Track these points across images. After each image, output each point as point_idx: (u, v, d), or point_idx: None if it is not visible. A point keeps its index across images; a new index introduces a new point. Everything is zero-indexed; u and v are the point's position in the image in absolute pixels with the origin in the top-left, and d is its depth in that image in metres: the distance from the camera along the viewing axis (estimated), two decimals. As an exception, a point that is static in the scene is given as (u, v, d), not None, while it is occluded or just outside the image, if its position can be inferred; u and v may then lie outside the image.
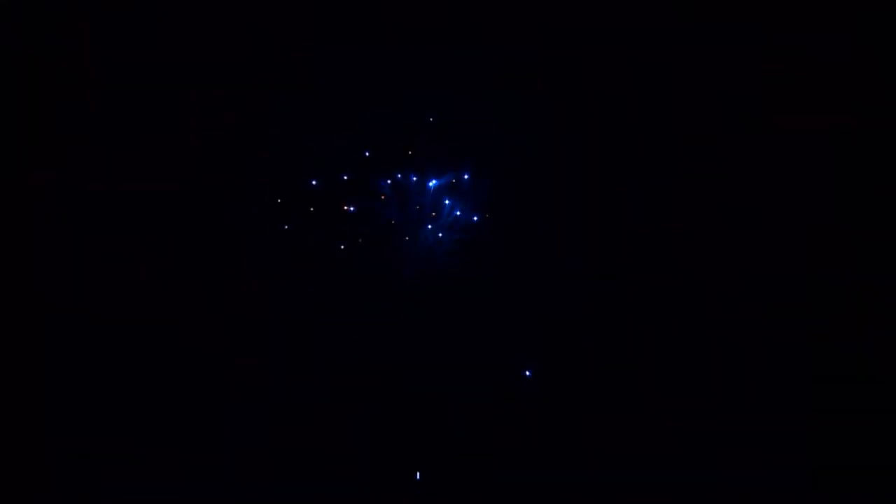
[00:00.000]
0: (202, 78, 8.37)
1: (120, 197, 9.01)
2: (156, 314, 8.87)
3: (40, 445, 8.45)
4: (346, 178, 9.07)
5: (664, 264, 9.13)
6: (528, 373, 8.84)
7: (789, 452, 8.25)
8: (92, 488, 8.66)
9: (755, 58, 8.71)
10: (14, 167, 7.99)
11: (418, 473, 8.62)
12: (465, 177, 8.90)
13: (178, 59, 8.80)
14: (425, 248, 9.17)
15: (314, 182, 8.89)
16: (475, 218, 9.03)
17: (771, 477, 8.13)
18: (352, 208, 9.05)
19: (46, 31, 7.30)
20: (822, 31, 8.38)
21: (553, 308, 9.20)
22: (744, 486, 8.32)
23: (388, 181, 9.02)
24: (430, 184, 9.13)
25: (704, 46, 8.76)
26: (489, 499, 8.73)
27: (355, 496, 8.91)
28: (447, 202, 9.15)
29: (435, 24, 8.66)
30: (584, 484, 8.77)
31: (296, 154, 9.00)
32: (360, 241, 9.06)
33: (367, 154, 9.04)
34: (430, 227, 9.13)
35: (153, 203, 9.07)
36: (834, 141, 8.42)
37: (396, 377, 9.05)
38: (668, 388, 9.04)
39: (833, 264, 8.40)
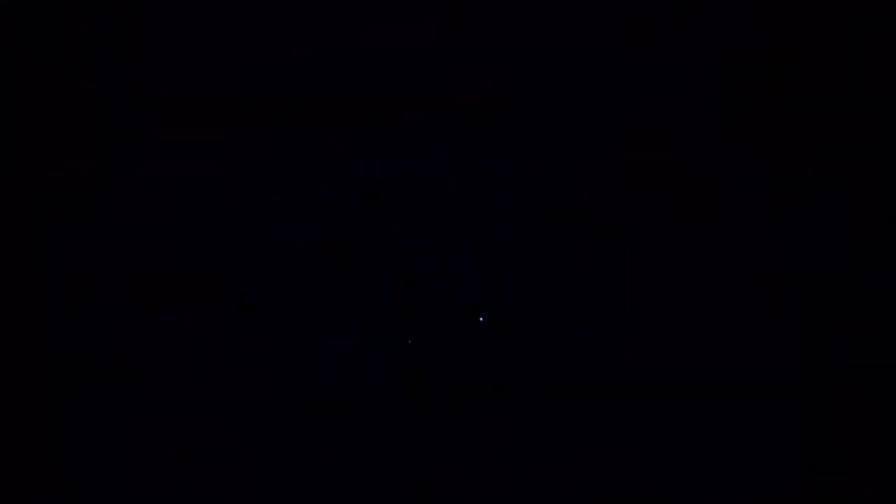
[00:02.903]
0: (203, 78, 8.37)
1: (120, 196, 9.00)
2: (155, 313, 8.89)
3: (40, 445, 8.44)
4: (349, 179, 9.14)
5: (664, 263, 9.19)
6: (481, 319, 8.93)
7: (789, 452, 8.34)
8: (90, 490, 8.66)
9: (752, 63, 8.80)
10: (14, 167, 7.97)
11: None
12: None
13: (179, 59, 8.78)
14: (426, 249, 9.19)
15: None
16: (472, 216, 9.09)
17: (771, 477, 8.21)
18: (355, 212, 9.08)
19: (46, 31, 7.28)
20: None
21: (550, 307, 9.26)
22: (744, 486, 8.39)
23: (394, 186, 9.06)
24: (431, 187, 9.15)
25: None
26: (489, 498, 8.78)
27: (356, 496, 8.94)
28: (450, 205, 9.17)
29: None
30: (584, 483, 8.83)
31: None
32: (360, 241, 9.09)
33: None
34: (430, 229, 9.15)
35: (153, 202, 9.07)
36: (838, 143, 8.51)
37: (396, 376, 9.09)
38: (667, 388, 9.10)
39: (834, 264, 8.48)
